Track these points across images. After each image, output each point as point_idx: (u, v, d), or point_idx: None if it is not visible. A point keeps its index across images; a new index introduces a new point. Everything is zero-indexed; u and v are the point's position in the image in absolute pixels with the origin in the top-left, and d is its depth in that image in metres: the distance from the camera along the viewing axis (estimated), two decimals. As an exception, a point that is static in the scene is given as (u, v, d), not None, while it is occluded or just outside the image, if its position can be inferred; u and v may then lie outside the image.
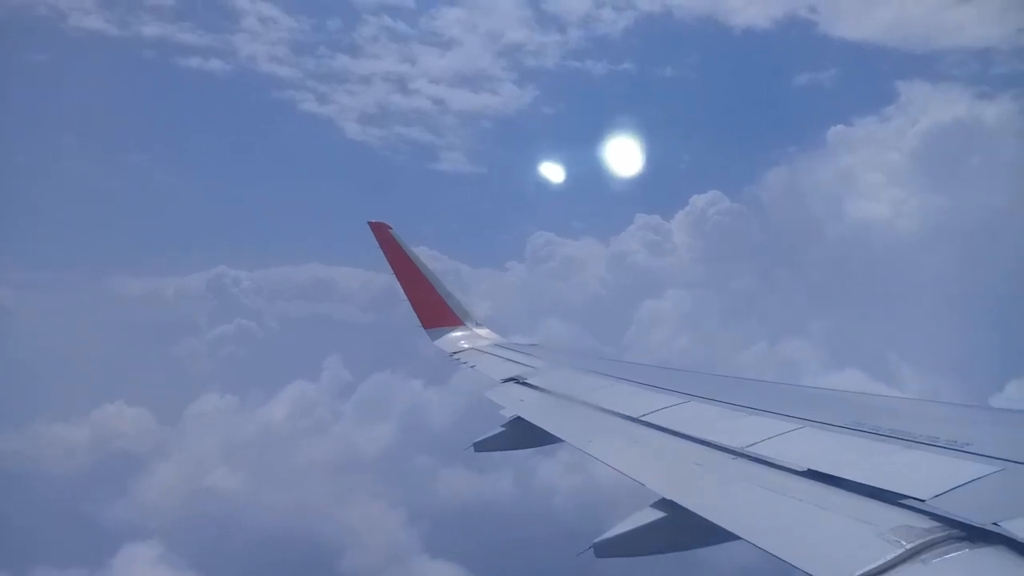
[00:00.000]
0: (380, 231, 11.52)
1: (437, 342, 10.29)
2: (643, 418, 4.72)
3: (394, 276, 11.05)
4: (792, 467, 3.38)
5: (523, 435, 5.84)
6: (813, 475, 3.25)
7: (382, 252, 11.29)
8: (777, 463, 3.47)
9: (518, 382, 6.88)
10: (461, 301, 11.19)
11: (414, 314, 10.89)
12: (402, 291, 10.95)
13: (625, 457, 4.29)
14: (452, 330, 10.61)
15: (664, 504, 3.51)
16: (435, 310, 10.84)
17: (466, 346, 9.71)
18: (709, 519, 3.15)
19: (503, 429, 6.13)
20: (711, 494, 3.50)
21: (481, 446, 6.23)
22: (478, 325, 10.82)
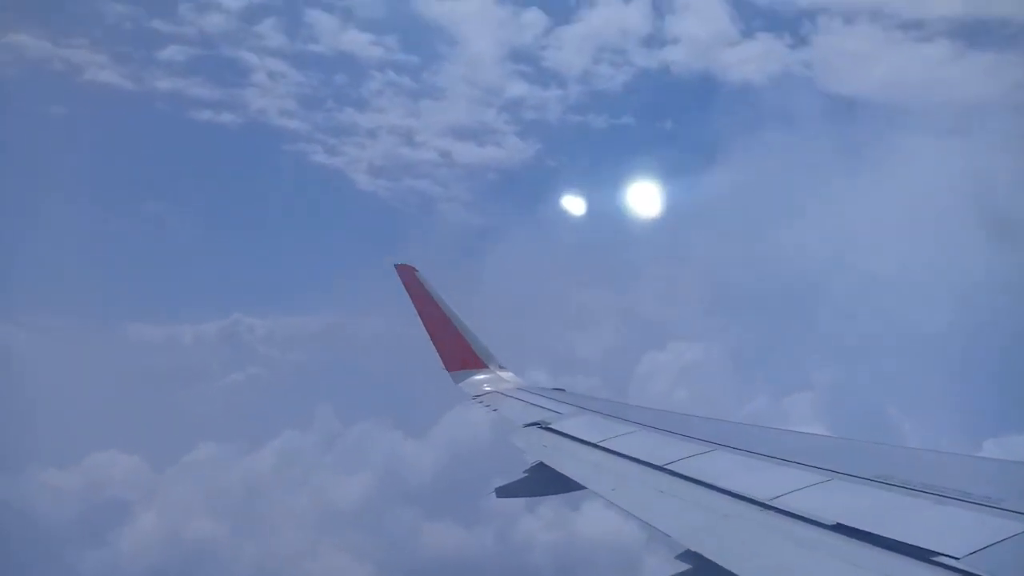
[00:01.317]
0: (406, 273, 11.69)
1: (460, 385, 10.31)
2: (668, 467, 4.68)
3: (419, 318, 11.17)
4: (821, 521, 3.33)
5: (546, 482, 5.80)
6: (842, 529, 3.20)
7: (407, 294, 11.45)
8: (806, 516, 3.43)
9: (541, 427, 6.86)
10: (485, 344, 11.23)
11: (437, 357, 10.96)
12: (426, 334, 11.04)
13: (650, 507, 4.25)
14: (475, 373, 10.63)
15: (690, 556, 3.47)
16: (459, 352, 10.89)
17: (489, 389, 9.72)
18: (737, 573, 3.11)
19: (526, 475, 6.10)
20: (739, 547, 3.45)
21: (504, 492, 6.19)
22: (501, 368, 10.84)
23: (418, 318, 11.16)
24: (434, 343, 10.98)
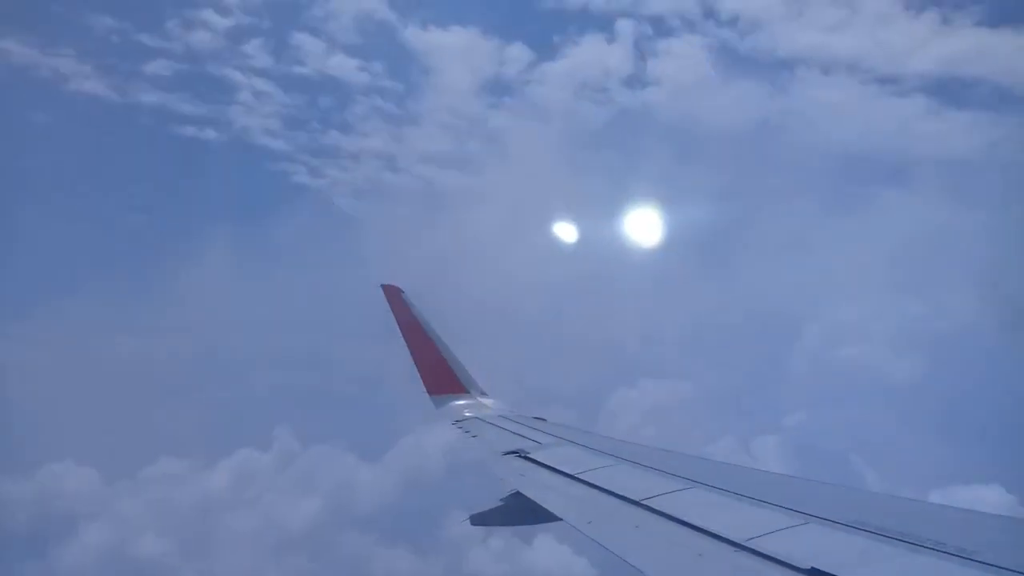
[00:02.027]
0: (392, 294, 11.66)
1: (441, 410, 10.23)
2: (645, 502, 4.65)
3: (402, 340, 11.11)
4: (795, 564, 3.31)
5: (521, 511, 5.75)
6: (816, 574, 3.18)
7: (392, 315, 11.41)
8: (780, 559, 3.40)
9: (520, 456, 6.81)
10: (467, 369, 11.18)
11: (416, 380, 10.88)
12: (410, 356, 10.98)
13: (624, 541, 4.20)
14: (457, 397, 10.56)
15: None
16: (441, 376, 10.82)
17: (469, 415, 9.65)
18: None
19: (501, 503, 6.04)
20: (711, 587, 3.42)
21: (478, 520, 6.12)
22: (483, 394, 10.78)
23: (402, 339, 11.12)
24: (416, 366, 10.90)
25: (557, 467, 6.13)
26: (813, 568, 3.22)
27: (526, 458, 6.69)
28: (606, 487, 5.17)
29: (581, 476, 5.61)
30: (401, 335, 11.15)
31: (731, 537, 3.77)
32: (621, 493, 4.94)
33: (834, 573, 3.12)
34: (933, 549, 3.25)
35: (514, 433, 7.98)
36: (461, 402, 10.40)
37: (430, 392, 10.68)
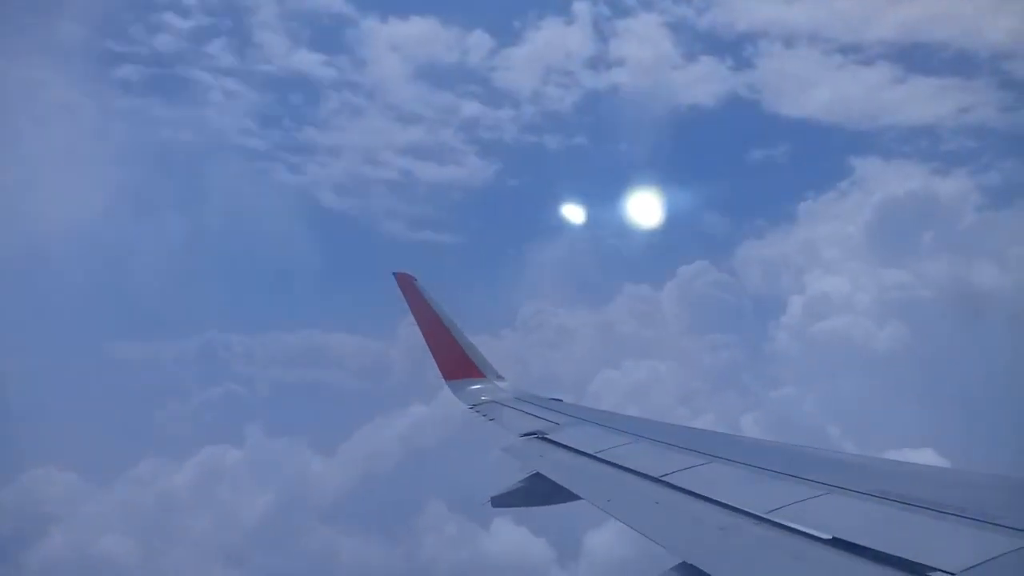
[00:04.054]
0: (404, 282, 11.70)
1: (458, 394, 10.29)
2: (664, 478, 4.66)
3: (417, 327, 11.16)
4: (817, 535, 3.32)
5: (541, 492, 5.78)
6: (839, 543, 3.19)
7: (406, 303, 11.45)
8: (802, 530, 3.41)
9: (538, 437, 6.84)
10: (482, 353, 11.22)
11: (435, 366, 10.94)
12: (424, 342, 11.03)
13: (646, 519, 4.23)
14: (473, 382, 10.61)
15: (686, 568, 3.45)
16: (456, 362, 10.87)
17: (486, 399, 9.70)
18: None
19: (521, 484, 6.07)
20: (734, 560, 3.44)
21: (498, 501, 6.16)
22: (499, 378, 10.81)
23: (416, 326, 11.16)
24: (432, 352, 10.95)
25: (576, 447, 6.16)
26: (835, 538, 3.23)
27: (544, 439, 6.73)
28: (625, 465, 5.19)
29: (600, 455, 5.64)
30: (415, 322, 11.20)
31: (752, 510, 3.78)
32: (640, 470, 4.96)
33: (856, 542, 3.12)
34: (955, 515, 3.25)
35: (531, 415, 8.02)
36: (477, 386, 10.45)
37: (446, 378, 10.73)
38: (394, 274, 11.76)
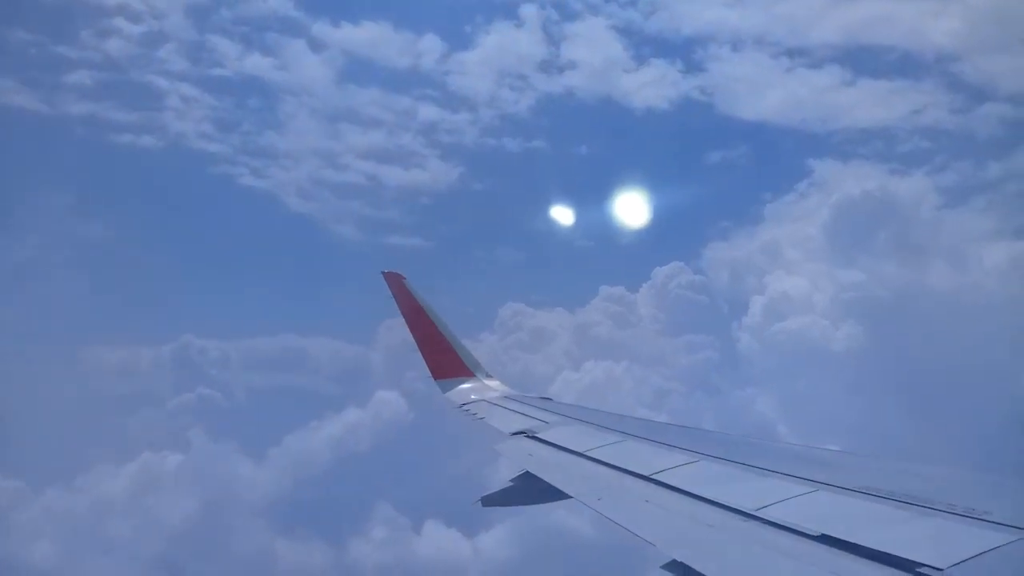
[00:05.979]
0: (393, 281, 11.64)
1: (447, 394, 10.26)
2: (654, 476, 4.66)
3: (406, 327, 11.11)
4: (806, 531, 3.32)
5: (532, 490, 5.76)
6: (827, 540, 3.19)
7: (395, 302, 11.39)
8: (790, 527, 3.42)
9: (528, 436, 6.83)
10: (472, 352, 11.19)
11: (424, 365, 10.90)
12: (413, 342, 10.98)
13: (636, 516, 4.22)
14: (462, 381, 10.58)
15: (676, 566, 3.45)
16: (446, 361, 10.84)
17: (475, 398, 9.67)
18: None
19: (511, 484, 6.05)
20: (723, 557, 3.43)
21: (489, 501, 6.14)
22: (488, 377, 10.79)
23: (405, 326, 11.12)
24: (421, 351, 10.92)
25: (565, 446, 6.15)
26: (824, 534, 3.23)
27: (534, 438, 6.71)
28: (614, 463, 5.19)
29: (589, 453, 5.63)
30: (404, 321, 11.15)
31: (741, 507, 3.78)
32: (630, 469, 4.95)
33: (845, 539, 3.13)
34: (943, 511, 3.26)
35: (520, 414, 8.00)
36: (467, 385, 10.42)
37: (435, 377, 10.70)
38: (383, 273, 11.71)
